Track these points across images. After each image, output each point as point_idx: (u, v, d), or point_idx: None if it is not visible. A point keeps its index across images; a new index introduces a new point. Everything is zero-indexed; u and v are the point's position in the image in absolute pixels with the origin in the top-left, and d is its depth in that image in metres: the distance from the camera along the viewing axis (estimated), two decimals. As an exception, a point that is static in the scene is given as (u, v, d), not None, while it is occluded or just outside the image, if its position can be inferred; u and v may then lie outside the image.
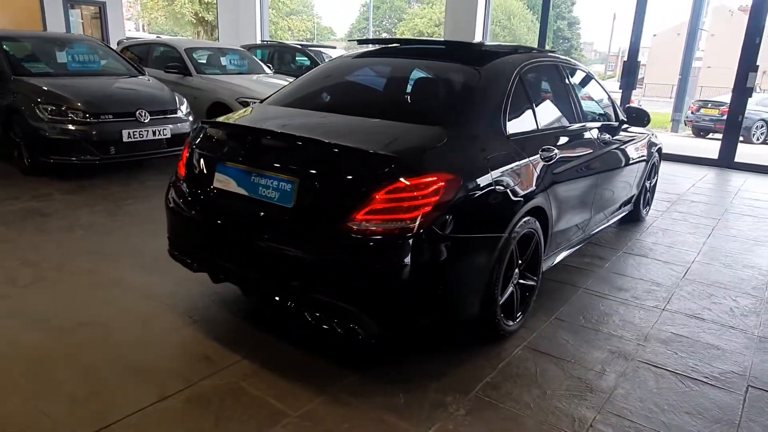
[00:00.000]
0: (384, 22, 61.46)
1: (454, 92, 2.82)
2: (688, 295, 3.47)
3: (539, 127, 2.97)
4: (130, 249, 3.86)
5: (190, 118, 6.38)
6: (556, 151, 2.93)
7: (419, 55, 3.21)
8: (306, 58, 10.28)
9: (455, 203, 2.24)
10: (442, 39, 3.10)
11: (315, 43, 12.09)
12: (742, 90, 7.85)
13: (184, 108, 6.37)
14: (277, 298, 2.37)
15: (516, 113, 2.80)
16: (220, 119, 2.90)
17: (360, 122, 2.66)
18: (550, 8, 9.49)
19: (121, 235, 4.14)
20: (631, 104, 8.33)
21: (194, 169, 2.73)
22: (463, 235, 2.29)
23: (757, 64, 7.75)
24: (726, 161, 8.18)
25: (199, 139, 2.78)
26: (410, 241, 2.13)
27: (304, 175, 2.30)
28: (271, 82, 7.94)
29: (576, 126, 3.40)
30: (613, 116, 4.07)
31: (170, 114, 6.17)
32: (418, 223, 2.13)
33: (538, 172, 2.77)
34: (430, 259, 2.17)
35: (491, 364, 2.58)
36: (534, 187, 2.72)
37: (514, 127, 2.75)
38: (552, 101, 3.39)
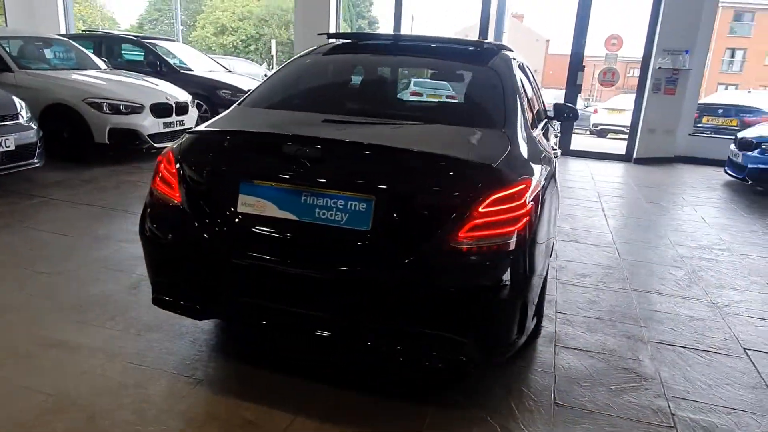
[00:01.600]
0: (180, 15, 57.30)
1: (486, 92, 2.66)
2: (638, 274, 3.84)
3: (537, 125, 2.98)
4: (37, 298, 2.95)
5: (34, 126, 5.15)
6: (558, 149, 2.98)
7: (412, 53, 2.98)
8: (141, 51, 9.02)
9: (536, 209, 2.12)
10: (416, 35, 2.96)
11: (150, 35, 10.58)
12: (573, 86, 8.99)
13: (24, 113, 5.12)
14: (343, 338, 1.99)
15: (526, 112, 2.77)
16: (220, 126, 2.34)
17: (409, 128, 2.37)
18: (402, 7, 9.74)
19: (8, 280, 3.15)
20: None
21: (196, 190, 2.16)
22: (541, 242, 2.19)
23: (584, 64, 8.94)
24: (564, 149, 9.30)
25: (195, 152, 2.21)
26: (515, 254, 1.95)
27: (382, 191, 1.96)
28: (123, 81, 6.80)
29: (544, 122, 3.51)
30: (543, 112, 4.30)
31: (10, 120, 4.91)
32: (520, 234, 1.96)
33: (553, 170, 2.78)
34: (529, 271, 2.02)
35: (544, 370, 2.53)
36: (553, 185, 2.72)
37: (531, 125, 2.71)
38: (530, 99, 3.43)
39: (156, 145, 6.47)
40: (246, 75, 10.67)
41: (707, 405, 2.34)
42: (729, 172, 7.13)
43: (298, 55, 3.03)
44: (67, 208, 4.67)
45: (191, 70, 8.91)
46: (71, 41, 7.73)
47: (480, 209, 1.92)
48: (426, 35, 3.18)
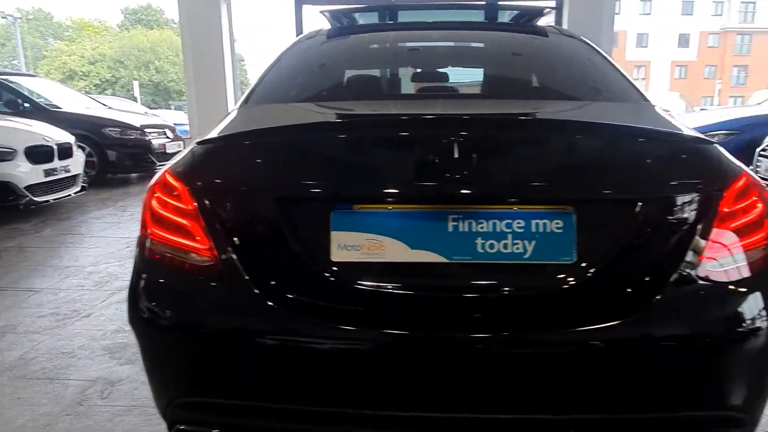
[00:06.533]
0: (15, 61, 52.17)
1: (589, 63, 2.01)
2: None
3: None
4: None
5: None
6: None
7: (458, 27, 2.28)
8: None
9: None
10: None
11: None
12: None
13: None
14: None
15: None
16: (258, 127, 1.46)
17: (542, 104, 1.67)
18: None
19: None
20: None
21: (243, 235, 1.26)
22: None
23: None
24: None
25: (229, 172, 1.31)
26: (776, 272, 1.31)
27: (585, 197, 1.23)
28: None
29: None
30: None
31: None
32: (771, 240, 1.33)
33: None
34: None
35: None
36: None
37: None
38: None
39: (36, 199, 5.08)
40: (128, 111, 9.27)
41: None
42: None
43: (301, 38, 2.20)
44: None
45: (60, 109, 7.44)
46: None
47: (725, 209, 1.26)
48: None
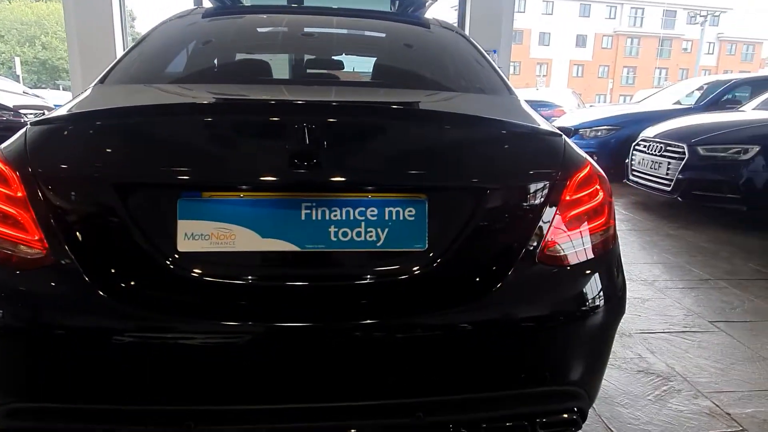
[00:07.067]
0: None
1: (460, 55, 2.04)
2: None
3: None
4: None
5: None
6: None
7: (340, 14, 2.23)
8: None
9: None
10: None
11: None
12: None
13: None
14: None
15: None
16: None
17: (410, 94, 1.67)
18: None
19: None
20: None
21: (81, 225, 1.17)
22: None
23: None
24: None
25: (68, 155, 1.21)
26: (613, 258, 1.41)
27: (438, 185, 1.25)
28: None
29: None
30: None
31: None
32: (611, 228, 1.43)
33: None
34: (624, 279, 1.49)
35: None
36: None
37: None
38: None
39: None
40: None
41: (741, 392, 2.11)
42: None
43: (173, 17, 2.08)
44: None
45: None
46: None
47: (568, 197, 1.33)
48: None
